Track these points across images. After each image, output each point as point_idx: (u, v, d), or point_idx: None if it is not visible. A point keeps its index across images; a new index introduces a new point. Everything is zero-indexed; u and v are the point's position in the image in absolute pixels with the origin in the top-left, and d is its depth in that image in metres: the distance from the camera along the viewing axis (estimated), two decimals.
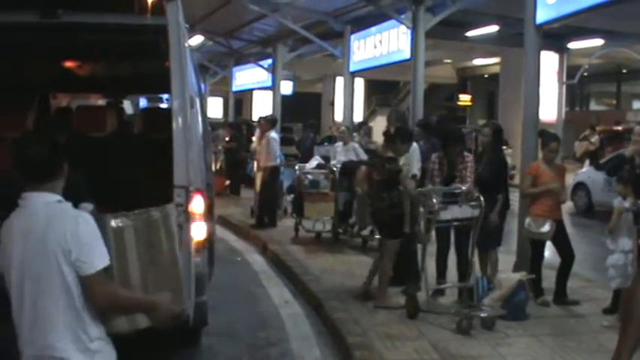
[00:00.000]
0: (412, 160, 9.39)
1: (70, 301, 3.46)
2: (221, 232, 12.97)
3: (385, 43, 18.62)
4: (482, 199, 7.98)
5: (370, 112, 45.63)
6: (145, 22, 6.11)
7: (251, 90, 34.13)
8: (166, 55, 5.98)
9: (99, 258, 3.49)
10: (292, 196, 14.04)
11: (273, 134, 14.86)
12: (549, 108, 24.50)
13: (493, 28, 21.17)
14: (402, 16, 16.54)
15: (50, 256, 3.42)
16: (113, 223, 3.92)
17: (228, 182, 19.90)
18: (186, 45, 5.99)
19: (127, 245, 3.90)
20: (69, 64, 9.18)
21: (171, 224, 4.25)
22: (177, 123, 5.63)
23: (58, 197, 3.56)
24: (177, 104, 5.68)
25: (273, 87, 25.07)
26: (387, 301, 8.39)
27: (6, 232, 3.56)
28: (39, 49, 7.57)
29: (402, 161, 8.78)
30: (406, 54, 17.03)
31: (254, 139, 17.46)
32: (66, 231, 3.43)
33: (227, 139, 21.39)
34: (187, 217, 5.50)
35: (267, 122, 15.19)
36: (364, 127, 14.86)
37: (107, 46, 7.51)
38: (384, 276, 8.54)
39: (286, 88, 31.78)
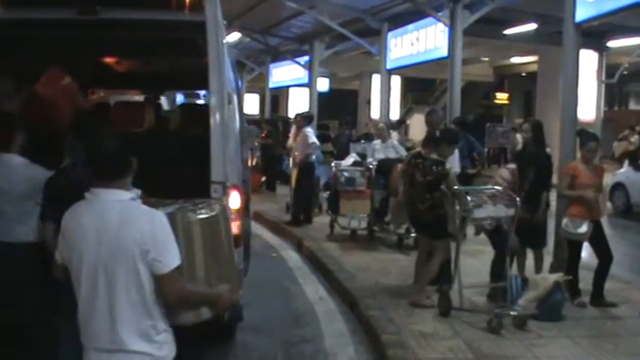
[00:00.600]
0: (454, 160, 9.35)
1: (143, 298, 3.53)
2: (256, 228, 13.04)
3: (422, 41, 18.58)
4: (517, 198, 7.95)
5: (406, 110, 45.44)
6: (184, 18, 6.16)
7: (287, 87, 34.19)
8: (204, 52, 6.03)
9: (172, 257, 3.57)
10: (328, 193, 14.04)
11: (309, 130, 14.88)
12: (588, 107, 24.27)
13: (531, 26, 21.05)
14: (440, 14, 16.50)
15: (127, 255, 3.47)
16: (182, 218, 3.98)
17: (263, 178, 19.97)
18: (224, 41, 6.02)
19: (194, 240, 3.96)
20: (107, 60, 9.27)
21: (227, 217, 4.34)
22: (215, 119, 5.67)
23: (131, 195, 3.63)
24: (215, 100, 5.72)
25: (310, 84, 25.09)
26: (423, 300, 8.35)
27: (74, 226, 3.61)
28: (77, 45, 7.65)
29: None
30: (443, 52, 16.97)
31: (290, 135, 17.49)
32: (143, 230, 3.50)
33: (263, 135, 21.46)
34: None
35: (303, 119, 15.21)
36: (403, 125, 14.79)
37: (145, 43, 7.57)
38: (427, 275, 8.50)
39: (322, 85, 31.85)
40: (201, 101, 25.36)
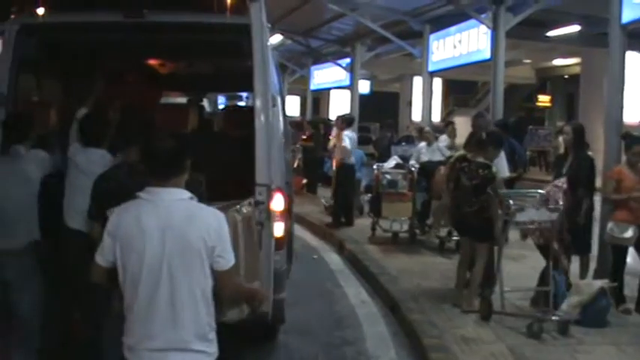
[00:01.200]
0: (502, 164, 9.28)
1: (205, 294, 3.60)
2: (298, 230, 13.06)
3: (465, 43, 18.47)
4: (560, 203, 7.87)
5: (448, 113, 45.23)
6: (229, 21, 6.20)
7: (328, 89, 34.21)
8: (248, 54, 6.07)
9: (231, 254, 3.65)
10: (369, 195, 14.03)
11: (348, 133, 14.89)
12: (633, 110, 23.91)
13: (574, 28, 20.82)
14: (483, 16, 16.39)
15: (193, 251, 3.53)
16: (231, 217, 4.03)
17: (305, 181, 20.00)
18: (269, 44, 6.05)
19: (239, 238, 4.01)
20: (151, 62, 9.37)
21: (255, 217, 4.39)
22: (260, 121, 5.70)
23: (189, 194, 3.67)
24: (260, 103, 5.75)
25: (351, 86, 25.08)
26: (474, 305, 8.27)
27: (131, 226, 3.61)
28: (123, 47, 7.74)
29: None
30: (486, 54, 16.86)
31: (331, 137, 17.52)
32: (210, 227, 3.56)
33: (304, 137, 21.50)
34: (268, 215, 5.56)
35: (343, 121, 15.22)
36: (451, 125, 14.68)
37: (190, 45, 7.64)
38: (476, 279, 8.45)
39: (364, 87, 31.79)
40: (242, 103, 25.53)
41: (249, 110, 6.17)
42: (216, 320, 3.73)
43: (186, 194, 3.66)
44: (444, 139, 13.78)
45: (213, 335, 3.70)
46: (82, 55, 7.97)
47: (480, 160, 8.40)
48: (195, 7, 6.32)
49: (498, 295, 7.92)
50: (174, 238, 3.52)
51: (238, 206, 4.32)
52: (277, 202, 5.79)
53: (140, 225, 3.57)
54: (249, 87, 6.03)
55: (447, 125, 15.43)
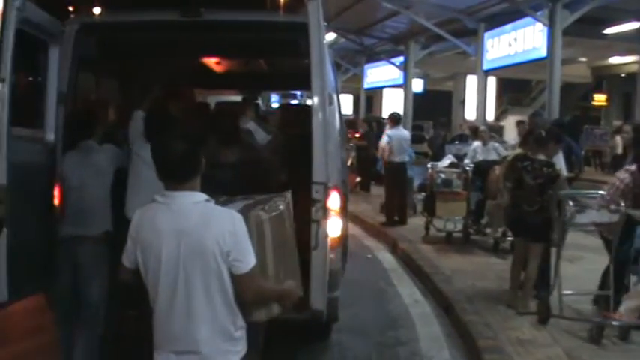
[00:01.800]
0: (559, 163, 9.15)
1: (225, 298, 3.54)
2: (351, 228, 13.02)
3: (520, 41, 18.33)
4: (622, 204, 7.72)
5: (501, 111, 44.79)
6: (286, 19, 6.22)
7: (382, 87, 34.16)
8: (304, 52, 6.08)
9: (251, 256, 3.57)
10: (423, 194, 13.96)
11: (390, 131, 14.86)
12: None
13: (632, 25, 20.53)
14: (539, 14, 16.26)
15: (208, 256, 3.47)
16: (255, 217, 4.00)
17: (358, 179, 19.99)
18: (325, 42, 6.05)
19: (265, 238, 3.99)
20: (207, 60, 9.44)
21: (290, 212, 4.36)
22: (317, 119, 5.69)
23: (205, 196, 3.59)
24: (317, 101, 5.73)
25: (405, 84, 25.00)
26: (529, 307, 8.16)
27: (148, 229, 3.58)
28: (180, 46, 7.81)
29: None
30: (542, 52, 16.71)
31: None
32: (224, 232, 3.48)
33: (358, 135, 21.50)
34: (325, 214, 5.55)
35: (392, 119, 15.21)
36: (521, 126, 14.51)
37: (246, 44, 7.67)
38: (530, 280, 8.35)
39: (417, 85, 31.68)
40: (295, 101, 25.58)
41: (306, 108, 6.17)
42: (244, 319, 3.71)
43: (202, 197, 3.58)
44: (514, 138, 13.65)
45: (240, 333, 3.66)
46: (140, 53, 8.07)
47: (542, 157, 8.28)
48: (252, 5, 6.35)
49: (556, 298, 7.79)
50: (189, 242, 3.48)
51: (267, 204, 4.27)
52: (334, 201, 5.78)
53: (156, 229, 3.54)
54: (303, 85, 6.04)
55: (518, 124, 15.24)
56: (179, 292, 3.52)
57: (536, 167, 8.23)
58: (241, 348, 3.68)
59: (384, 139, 14.81)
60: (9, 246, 5.41)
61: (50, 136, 6.18)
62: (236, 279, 3.54)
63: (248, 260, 3.55)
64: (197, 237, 3.47)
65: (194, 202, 3.55)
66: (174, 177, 3.56)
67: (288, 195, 4.50)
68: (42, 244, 5.90)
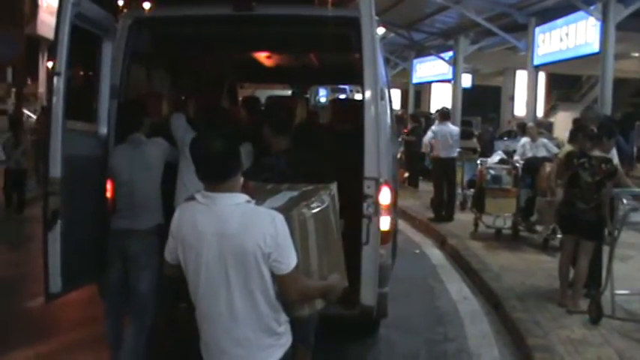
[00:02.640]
0: (614, 157, 9.01)
1: (267, 297, 3.54)
2: (399, 224, 13.00)
3: (572, 36, 18.09)
4: None
5: (550, 107, 44.27)
6: (338, 14, 6.21)
7: (430, 82, 34.00)
8: (355, 47, 6.06)
9: (292, 257, 3.55)
10: (472, 190, 13.88)
11: (435, 127, 14.79)
12: None
13: None
14: (591, 8, 16.04)
15: (250, 258, 3.45)
16: (298, 215, 3.99)
17: (407, 174, 19.94)
18: (377, 37, 6.02)
19: (309, 235, 3.98)
20: (258, 54, 9.48)
21: (336, 204, 4.34)
22: (369, 114, 5.68)
23: (245, 197, 3.57)
24: (370, 96, 5.72)
25: (454, 80, 24.86)
26: (580, 306, 8.06)
27: (188, 229, 3.58)
28: (231, 40, 7.85)
29: None
30: (595, 47, 16.49)
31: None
32: (265, 234, 3.45)
33: (405, 130, 21.43)
34: (376, 209, 5.54)
35: (441, 114, 15.16)
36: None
37: (298, 38, 7.68)
38: (580, 279, 8.24)
39: (465, 81, 31.48)
40: (343, 96, 25.56)
41: (357, 103, 6.15)
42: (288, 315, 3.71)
43: (243, 198, 3.56)
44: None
45: (283, 328, 3.66)
46: (191, 48, 8.13)
47: (598, 154, 8.15)
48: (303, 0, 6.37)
49: (608, 298, 7.68)
50: (229, 245, 3.46)
51: (312, 198, 4.25)
52: (384, 196, 5.77)
53: (197, 230, 3.53)
54: (353, 79, 6.05)
55: (574, 122, 15.08)
56: (220, 293, 3.52)
57: (594, 164, 8.09)
58: (285, 340, 3.68)
59: (428, 135, 14.77)
60: (63, 238, 5.49)
61: (103, 130, 6.26)
62: (278, 279, 3.53)
63: (289, 261, 3.53)
64: (238, 240, 3.46)
65: (235, 203, 3.52)
66: (213, 177, 3.53)
67: (334, 187, 4.47)
68: (94, 236, 5.99)
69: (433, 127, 14.89)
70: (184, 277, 3.69)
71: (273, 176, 4.80)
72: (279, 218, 3.55)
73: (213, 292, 3.53)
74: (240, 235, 3.45)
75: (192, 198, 3.62)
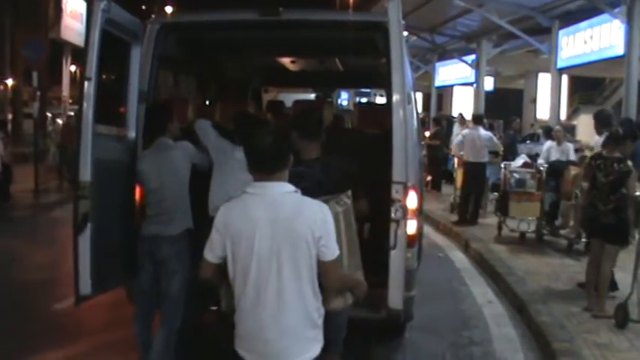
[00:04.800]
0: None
1: (313, 285, 3.66)
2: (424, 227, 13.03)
3: (596, 39, 18.01)
4: None
5: (573, 110, 44.05)
6: (364, 18, 6.24)
7: (452, 85, 33.95)
8: (381, 51, 6.08)
9: (336, 244, 3.70)
10: (496, 194, 13.85)
11: (466, 130, 14.76)
12: None
13: None
14: (616, 10, 15.94)
15: (301, 242, 3.59)
16: (333, 207, 4.06)
17: (429, 178, 19.91)
18: (404, 41, 6.05)
19: (340, 229, 4.04)
20: (282, 59, 9.52)
21: (352, 206, 4.43)
22: (398, 118, 5.69)
23: (293, 187, 3.73)
24: (397, 99, 5.73)
25: (476, 83, 24.82)
26: (605, 310, 8.01)
27: (240, 220, 3.67)
28: (258, 45, 7.90)
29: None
30: (619, 50, 16.40)
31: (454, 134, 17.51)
32: (316, 218, 3.62)
33: (427, 134, 21.42)
34: (404, 213, 5.56)
35: (473, 119, 15.16)
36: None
37: (323, 43, 7.71)
38: (605, 283, 8.20)
39: (487, 84, 31.41)
40: (365, 99, 25.55)
41: (383, 107, 6.17)
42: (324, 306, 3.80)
43: (291, 187, 3.73)
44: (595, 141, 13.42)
45: (321, 321, 3.76)
46: (218, 52, 8.19)
47: (616, 155, 8.12)
48: (328, 4, 6.40)
49: (634, 302, 7.63)
50: (283, 229, 3.59)
51: (336, 199, 4.36)
52: (411, 200, 5.79)
53: (249, 218, 3.65)
54: (377, 83, 6.07)
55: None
56: (270, 280, 3.61)
57: (607, 164, 8.10)
58: (321, 337, 3.78)
59: (458, 139, 14.74)
60: (92, 240, 5.55)
61: (132, 134, 6.32)
62: (322, 266, 3.65)
63: (334, 247, 3.68)
64: (291, 224, 3.60)
65: (285, 191, 3.70)
66: (265, 167, 3.71)
67: (349, 193, 4.58)
68: (123, 239, 6.04)
69: (463, 131, 14.87)
70: (218, 280, 3.78)
71: (311, 185, 4.84)
72: (325, 207, 3.75)
73: (264, 280, 3.62)
74: (293, 219, 3.61)
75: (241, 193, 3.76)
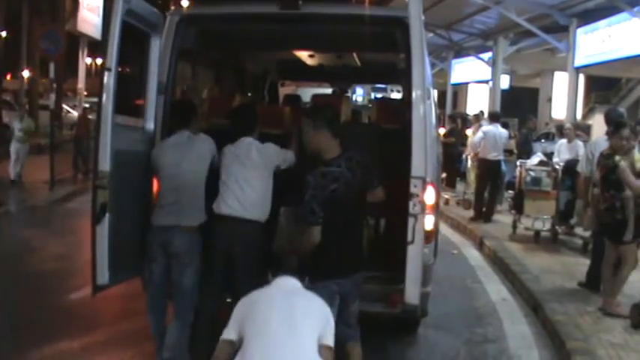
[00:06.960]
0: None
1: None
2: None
3: (615, 38, 17.90)
4: None
5: (588, 110, 43.86)
6: (384, 13, 6.23)
7: (467, 83, 33.84)
8: (400, 47, 6.07)
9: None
10: (511, 192, 13.82)
11: (490, 128, 14.73)
12: None
13: None
14: (635, 9, 15.85)
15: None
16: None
17: (444, 175, 19.84)
18: (424, 37, 6.03)
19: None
20: (300, 53, 9.52)
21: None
22: (418, 114, 5.66)
23: None
24: (418, 95, 5.70)
25: (492, 81, 24.72)
26: (615, 309, 8.01)
27: None
28: (276, 38, 7.89)
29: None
30: (638, 49, 16.28)
31: (469, 132, 17.47)
32: None
33: (442, 131, 21.36)
34: (422, 208, 5.54)
35: (490, 116, 15.13)
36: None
37: (342, 37, 7.70)
38: (619, 284, 8.16)
39: (503, 82, 31.30)
40: (380, 95, 25.52)
41: (402, 103, 6.15)
42: None
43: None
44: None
45: None
46: (237, 45, 8.18)
47: (606, 151, 8.09)
48: None
49: None
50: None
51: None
52: (429, 196, 5.76)
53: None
54: (395, 79, 6.05)
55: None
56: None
57: (600, 160, 8.07)
58: None
59: (479, 135, 14.68)
60: (110, 230, 5.57)
61: (150, 125, 6.33)
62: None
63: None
64: None
65: None
66: None
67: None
68: (140, 229, 6.05)
69: (483, 128, 14.82)
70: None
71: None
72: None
73: None
74: None
75: None
